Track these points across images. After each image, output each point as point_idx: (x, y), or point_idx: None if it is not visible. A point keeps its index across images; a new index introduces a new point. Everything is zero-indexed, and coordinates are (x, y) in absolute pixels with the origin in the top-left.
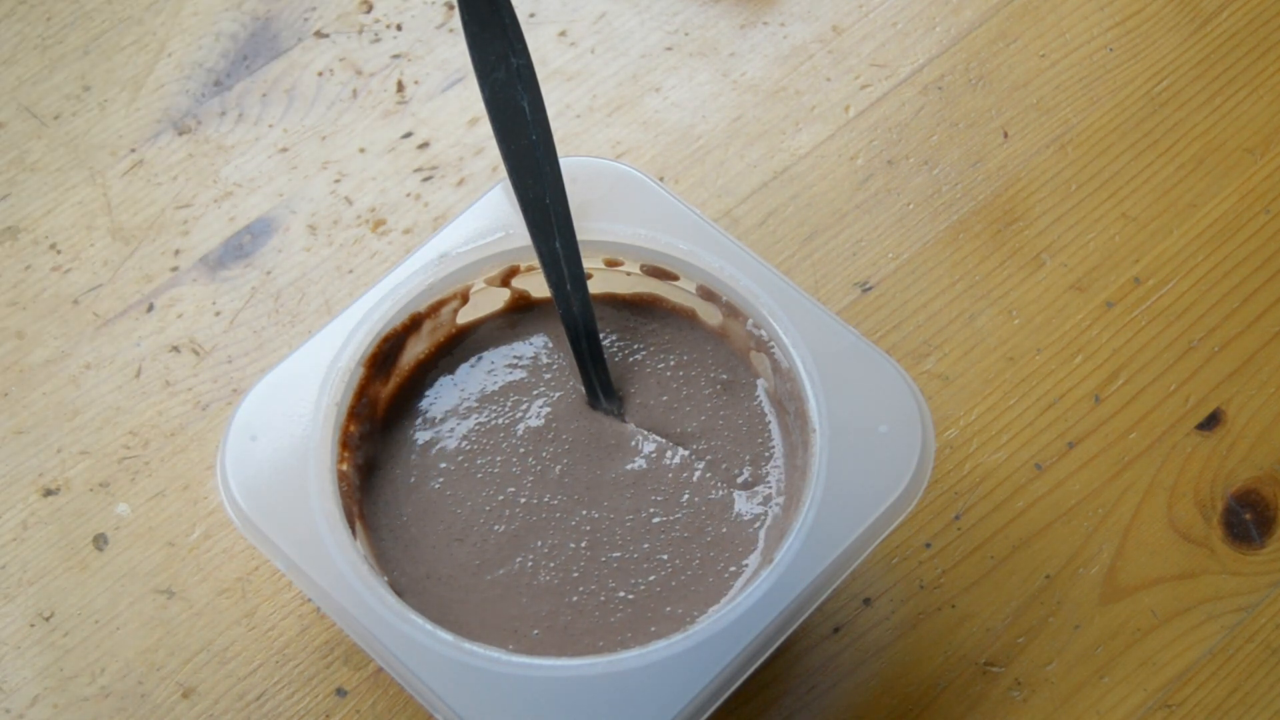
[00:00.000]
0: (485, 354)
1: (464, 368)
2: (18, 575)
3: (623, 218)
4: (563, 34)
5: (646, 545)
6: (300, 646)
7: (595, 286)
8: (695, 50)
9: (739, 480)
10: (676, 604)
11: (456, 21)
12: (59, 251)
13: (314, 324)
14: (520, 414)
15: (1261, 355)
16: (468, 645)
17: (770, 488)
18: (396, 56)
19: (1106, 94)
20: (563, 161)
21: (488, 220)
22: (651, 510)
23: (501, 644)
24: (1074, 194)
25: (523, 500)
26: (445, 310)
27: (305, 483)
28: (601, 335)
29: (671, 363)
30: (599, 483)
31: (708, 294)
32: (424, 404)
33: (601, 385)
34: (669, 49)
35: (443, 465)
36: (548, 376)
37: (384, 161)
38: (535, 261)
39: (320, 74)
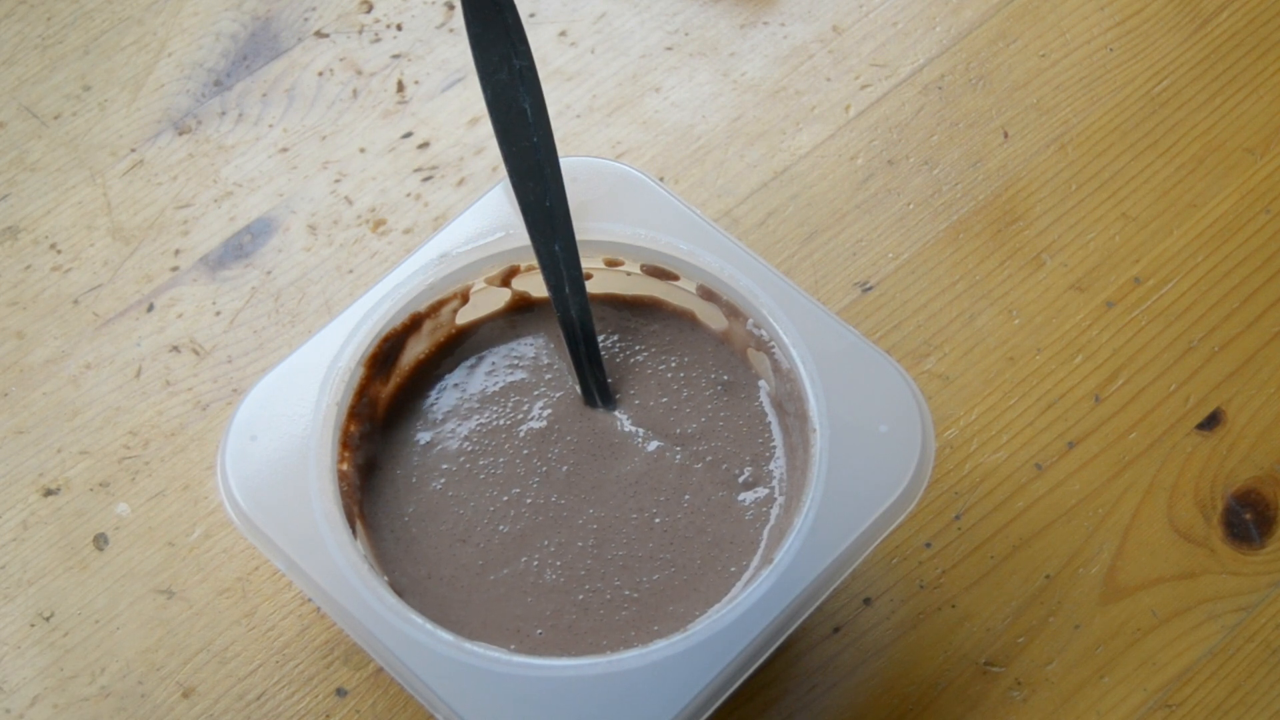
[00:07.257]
0: (486, 354)
1: (464, 368)
2: (18, 575)
3: (623, 217)
4: (563, 34)
5: (651, 544)
6: (300, 646)
7: (596, 287)
8: (695, 50)
9: (740, 480)
10: (679, 603)
11: (457, 21)
12: (59, 251)
13: (314, 324)
14: (522, 414)
15: (1261, 355)
16: (468, 645)
17: (771, 488)
18: (396, 56)
19: (1106, 94)
20: (563, 161)
21: (488, 220)
22: (654, 510)
23: (504, 644)
24: (1074, 194)
25: (529, 500)
26: (445, 310)
27: (305, 482)
28: (602, 336)
29: (672, 364)
30: (603, 482)
31: (708, 294)
32: (424, 404)
33: (599, 388)
34: (669, 49)
35: (444, 466)
36: (548, 377)
37: (384, 161)
38: (535, 262)
39: (320, 74)
